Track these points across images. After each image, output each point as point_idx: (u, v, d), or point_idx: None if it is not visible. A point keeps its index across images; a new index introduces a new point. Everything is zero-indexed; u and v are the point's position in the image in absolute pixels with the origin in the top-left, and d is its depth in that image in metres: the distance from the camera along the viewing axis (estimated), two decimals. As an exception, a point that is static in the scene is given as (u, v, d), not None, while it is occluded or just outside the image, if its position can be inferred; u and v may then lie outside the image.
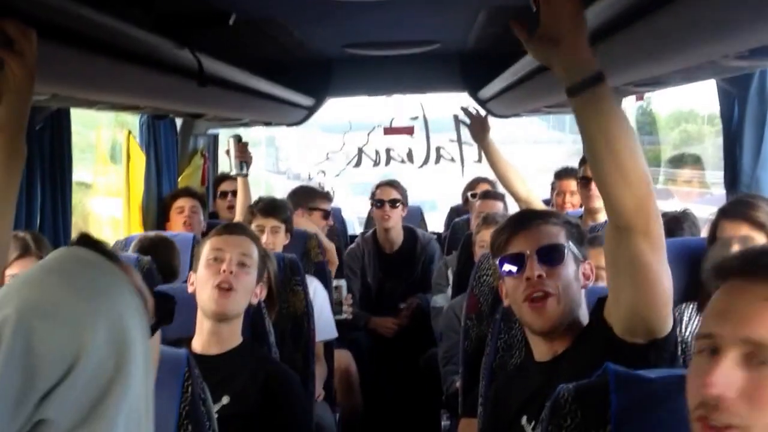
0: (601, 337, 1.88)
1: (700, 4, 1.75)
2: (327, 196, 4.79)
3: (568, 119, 8.07)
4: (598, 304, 1.99)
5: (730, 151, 3.32)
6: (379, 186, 5.08)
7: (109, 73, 2.15)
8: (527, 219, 2.16)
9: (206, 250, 2.58)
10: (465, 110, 3.99)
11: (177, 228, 4.29)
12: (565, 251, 2.07)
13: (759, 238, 2.68)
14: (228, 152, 4.27)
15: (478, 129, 3.85)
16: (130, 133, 4.38)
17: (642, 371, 1.59)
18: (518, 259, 2.07)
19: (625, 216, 1.69)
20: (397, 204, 4.97)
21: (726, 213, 2.81)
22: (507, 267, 2.10)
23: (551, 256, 2.05)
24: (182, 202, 4.39)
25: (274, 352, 2.73)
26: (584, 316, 2.08)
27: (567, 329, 2.03)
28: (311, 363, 3.19)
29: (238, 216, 4.12)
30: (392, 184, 5.08)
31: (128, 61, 2.19)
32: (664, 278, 1.76)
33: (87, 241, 1.27)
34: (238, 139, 4.26)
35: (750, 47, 1.91)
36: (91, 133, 5.19)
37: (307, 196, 4.63)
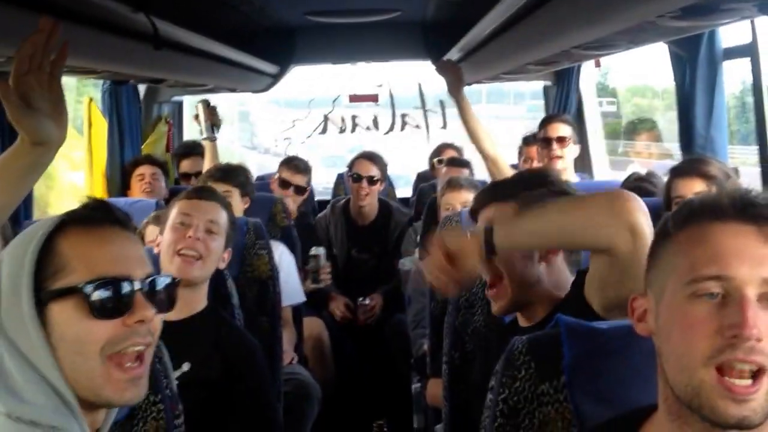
0: (580, 309, 1.87)
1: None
2: (296, 169, 4.55)
3: (528, 95, 8.11)
4: (578, 278, 1.98)
5: (684, 114, 3.34)
6: (358, 158, 4.79)
7: (62, 36, 2.09)
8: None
9: (174, 213, 2.51)
10: (441, 62, 3.96)
11: (138, 195, 4.22)
12: None
13: None
14: (197, 117, 4.21)
15: (454, 80, 3.81)
16: (91, 100, 4.29)
17: (593, 323, 1.59)
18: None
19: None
20: (376, 181, 4.72)
21: (678, 171, 2.83)
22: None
23: None
24: (142, 170, 4.32)
25: (238, 314, 2.70)
26: (557, 285, 2.03)
27: (538, 301, 2.01)
28: (277, 327, 3.16)
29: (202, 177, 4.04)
30: (372, 158, 4.76)
31: (81, 24, 2.13)
32: None
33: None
34: (206, 103, 4.21)
35: (680, 6, 1.90)
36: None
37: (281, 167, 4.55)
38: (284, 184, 4.46)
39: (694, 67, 3.19)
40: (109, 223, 1.33)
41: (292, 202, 4.40)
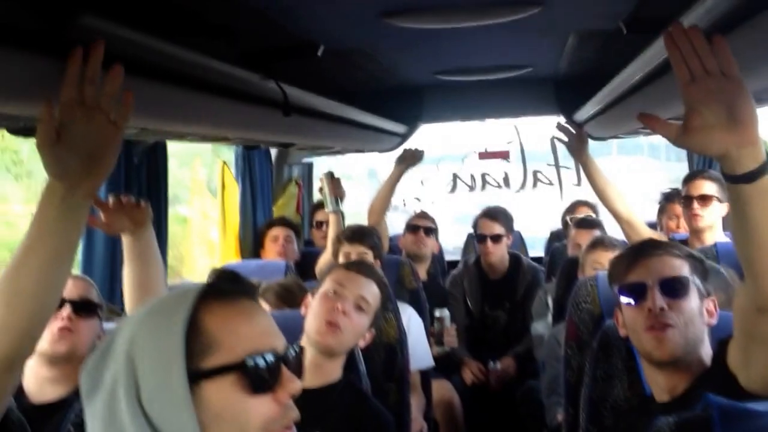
0: (724, 383, 1.78)
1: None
2: (423, 215, 4.84)
3: (663, 147, 7.84)
4: (719, 349, 1.89)
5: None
6: (480, 217, 4.87)
7: (195, 107, 2.18)
8: (649, 248, 2.09)
9: (328, 281, 2.54)
10: (560, 127, 3.90)
11: (271, 256, 4.36)
12: (690, 284, 1.99)
13: None
14: (321, 189, 4.27)
15: (576, 144, 3.75)
16: (225, 164, 4.48)
17: (749, 404, 1.48)
18: (639, 290, 2.00)
19: None
20: (500, 239, 4.77)
21: None
22: (626, 296, 2.03)
23: (674, 288, 1.98)
24: (276, 231, 4.47)
25: (365, 383, 2.69)
26: (707, 355, 1.97)
27: (688, 366, 1.94)
28: (406, 393, 3.12)
29: (328, 252, 4.07)
30: (494, 216, 4.82)
31: (213, 94, 2.21)
32: None
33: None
34: (330, 175, 4.25)
35: None
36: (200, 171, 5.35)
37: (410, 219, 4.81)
38: (412, 228, 4.68)
39: None
40: (246, 296, 1.35)
41: (422, 266, 4.45)
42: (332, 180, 4.21)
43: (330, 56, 2.90)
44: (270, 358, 1.28)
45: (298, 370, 1.35)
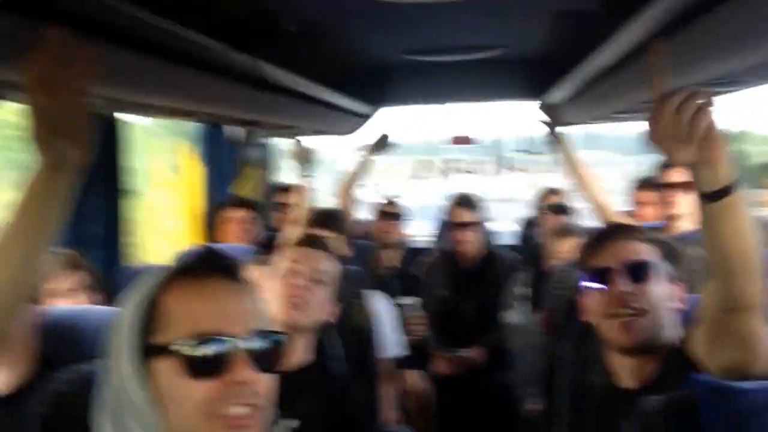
0: (689, 368, 1.82)
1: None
2: (392, 203, 5.00)
3: (627, 142, 8.01)
4: (684, 334, 1.94)
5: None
6: (452, 205, 4.83)
7: (164, 77, 2.17)
8: (614, 232, 2.13)
9: (283, 261, 2.59)
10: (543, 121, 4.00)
11: (230, 239, 4.26)
12: (655, 268, 2.02)
13: None
14: (291, 157, 4.27)
15: (556, 132, 3.83)
16: (186, 146, 4.42)
17: (733, 383, 1.54)
18: (603, 274, 2.03)
19: (743, 301, 1.65)
20: (473, 227, 4.73)
21: None
22: (591, 281, 2.06)
23: (639, 272, 2.01)
24: (235, 213, 4.36)
25: (339, 367, 2.70)
26: (677, 340, 2.02)
27: (656, 352, 1.97)
28: (375, 381, 3.15)
29: (296, 221, 4.05)
30: (466, 203, 4.79)
31: (183, 65, 2.21)
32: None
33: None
34: (298, 142, 4.27)
35: None
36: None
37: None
38: (382, 215, 4.83)
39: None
40: (214, 274, 1.32)
41: (392, 253, 4.48)
42: (300, 146, 4.21)
43: (298, 32, 2.90)
44: (217, 342, 1.26)
45: (271, 358, 1.31)
